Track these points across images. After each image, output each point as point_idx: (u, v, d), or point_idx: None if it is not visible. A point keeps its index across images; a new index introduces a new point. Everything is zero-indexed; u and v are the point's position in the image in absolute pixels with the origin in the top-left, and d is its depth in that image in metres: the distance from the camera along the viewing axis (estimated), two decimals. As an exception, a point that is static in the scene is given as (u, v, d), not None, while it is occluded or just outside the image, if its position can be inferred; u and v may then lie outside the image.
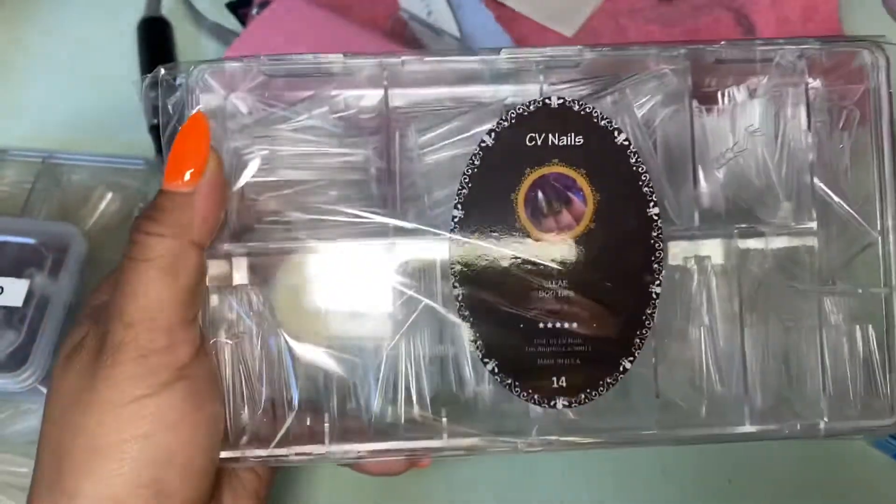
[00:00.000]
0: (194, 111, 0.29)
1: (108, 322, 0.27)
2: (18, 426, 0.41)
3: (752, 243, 0.32)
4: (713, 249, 0.32)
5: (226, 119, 0.31)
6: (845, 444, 0.42)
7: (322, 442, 0.30)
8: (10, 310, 0.39)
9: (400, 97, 0.32)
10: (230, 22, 0.56)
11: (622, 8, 0.58)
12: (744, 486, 0.42)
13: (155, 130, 0.49)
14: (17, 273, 0.40)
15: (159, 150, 0.48)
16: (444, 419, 0.30)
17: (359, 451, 0.30)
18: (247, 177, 0.31)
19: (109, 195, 0.47)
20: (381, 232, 0.31)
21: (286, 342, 0.30)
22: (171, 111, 0.30)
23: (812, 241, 0.32)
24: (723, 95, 0.33)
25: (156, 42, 0.54)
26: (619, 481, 0.42)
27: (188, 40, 0.55)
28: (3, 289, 0.40)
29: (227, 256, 0.30)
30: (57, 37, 0.56)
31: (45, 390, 0.37)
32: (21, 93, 0.54)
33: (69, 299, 0.40)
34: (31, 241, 0.41)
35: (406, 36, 0.54)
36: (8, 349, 0.38)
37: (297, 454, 0.30)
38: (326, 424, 0.30)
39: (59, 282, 0.40)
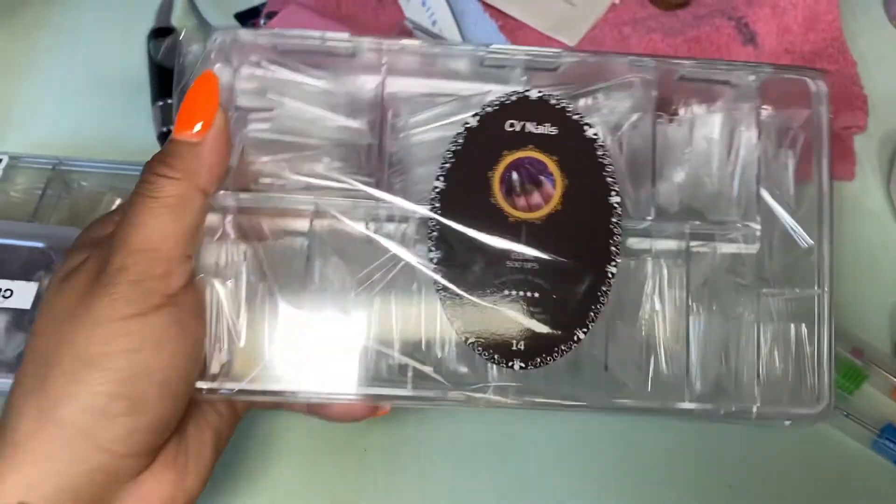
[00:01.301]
0: (206, 70, 0.32)
1: (111, 249, 0.28)
2: None
3: (702, 243, 0.35)
4: (666, 244, 0.35)
5: (235, 82, 0.34)
6: (849, 447, 0.44)
7: (293, 382, 0.32)
8: (19, 312, 0.40)
9: (395, 84, 0.35)
10: None
11: (625, 18, 0.59)
12: (744, 491, 0.43)
13: (163, 137, 0.51)
14: (26, 276, 0.41)
15: None
16: (410, 371, 0.32)
17: (329, 392, 0.32)
18: (247, 138, 0.33)
19: (118, 201, 0.47)
20: (369, 203, 0.33)
21: (268, 292, 0.33)
22: (185, 71, 0.33)
23: (755, 245, 0.35)
24: (685, 108, 0.37)
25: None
26: (620, 485, 0.43)
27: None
28: (12, 292, 0.40)
29: (223, 210, 0.33)
30: (69, 46, 0.58)
31: None
32: (33, 100, 0.55)
33: None
34: (40, 245, 0.42)
35: None
36: (17, 350, 0.39)
37: (267, 391, 0.32)
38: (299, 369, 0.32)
39: None
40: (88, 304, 0.28)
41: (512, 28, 0.58)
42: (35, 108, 0.55)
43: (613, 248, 0.33)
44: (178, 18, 0.58)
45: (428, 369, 0.32)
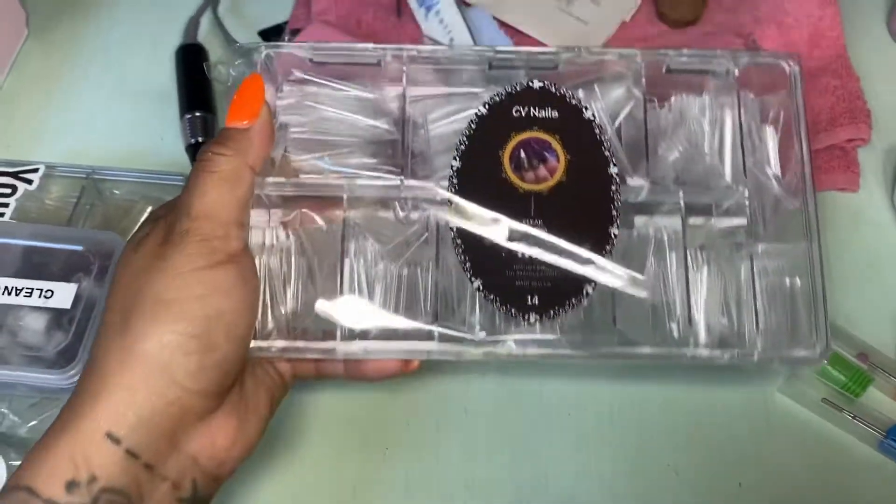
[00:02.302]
0: (253, 72, 0.37)
1: (176, 215, 0.33)
2: None
3: (697, 213, 0.39)
4: (664, 212, 0.39)
5: (276, 90, 0.40)
6: (856, 449, 0.44)
7: (334, 338, 0.36)
8: (59, 311, 0.42)
9: (414, 90, 0.40)
10: None
11: (635, 35, 0.61)
12: (753, 491, 0.43)
13: (191, 149, 0.54)
14: (66, 278, 0.43)
15: None
16: (437, 328, 0.36)
17: (364, 348, 0.36)
18: (288, 139, 0.39)
19: (149, 209, 0.49)
20: (394, 186, 0.38)
21: (309, 266, 0.37)
22: (234, 81, 0.38)
23: (744, 215, 0.39)
24: (675, 96, 0.41)
25: (192, 67, 0.58)
26: (631, 482, 0.44)
27: None
28: (53, 292, 0.42)
29: (269, 199, 0.38)
30: (100, 61, 0.60)
31: None
32: (66, 113, 0.57)
33: None
34: (79, 248, 0.44)
35: None
36: (57, 348, 0.41)
37: (312, 348, 0.36)
38: (338, 329, 0.36)
39: (104, 286, 0.42)
40: (163, 258, 0.32)
41: (526, 45, 0.60)
42: (68, 119, 0.57)
43: (614, 213, 0.37)
44: (205, 35, 0.61)
45: (452, 328, 0.36)
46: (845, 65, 0.58)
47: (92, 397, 0.30)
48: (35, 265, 0.43)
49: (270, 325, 0.36)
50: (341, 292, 0.37)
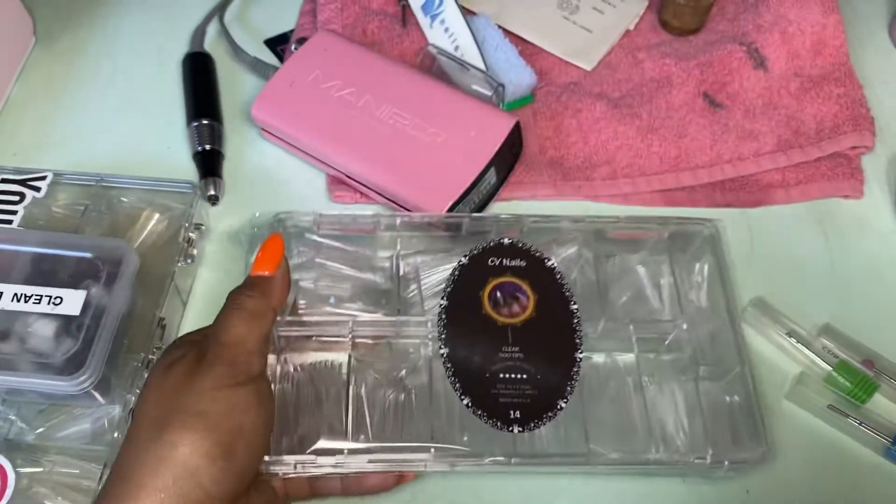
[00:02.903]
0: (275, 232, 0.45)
1: (207, 344, 0.38)
2: (71, 430, 0.44)
3: (647, 343, 0.46)
4: (619, 343, 0.46)
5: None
6: (863, 455, 0.46)
7: (342, 452, 0.42)
8: (68, 318, 0.42)
9: (405, 250, 0.48)
10: (269, 57, 0.61)
11: (639, 43, 0.62)
12: (761, 498, 0.45)
13: (198, 157, 0.55)
14: (74, 285, 0.43)
15: (203, 175, 0.54)
16: (433, 446, 0.41)
17: (368, 461, 0.41)
18: (300, 289, 0.47)
19: (157, 216, 0.50)
20: (391, 323, 0.46)
21: (320, 393, 0.44)
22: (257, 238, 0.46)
23: (687, 341, 0.46)
24: (619, 255, 0.49)
25: (199, 74, 0.59)
26: (639, 489, 0.45)
27: (229, 73, 0.60)
28: (62, 299, 0.42)
29: (286, 339, 0.45)
30: (109, 69, 0.60)
31: (97, 395, 0.42)
32: (73, 121, 0.58)
33: (122, 309, 0.43)
34: (87, 255, 0.44)
35: (434, 69, 0.58)
36: (66, 354, 0.41)
37: (321, 463, 0.41)
38: (344, 446, 0.42)
39: (113, 293, 0.43)
40: (193, 378, 0.36)
41: (531, 53, 0.61)
42: (75, 127, 0.57)
43: (578, 340, 0.44)
44: (211, 43, 0.61)
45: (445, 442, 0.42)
46: (848, 72, 0.59)
47: (124, 499, 0.34)
48: (44, 272, 0.43)
49: (283, 442, 0.42)
50: (346, 415, 0.43)
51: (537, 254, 0.46)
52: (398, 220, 0.48)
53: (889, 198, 0.56)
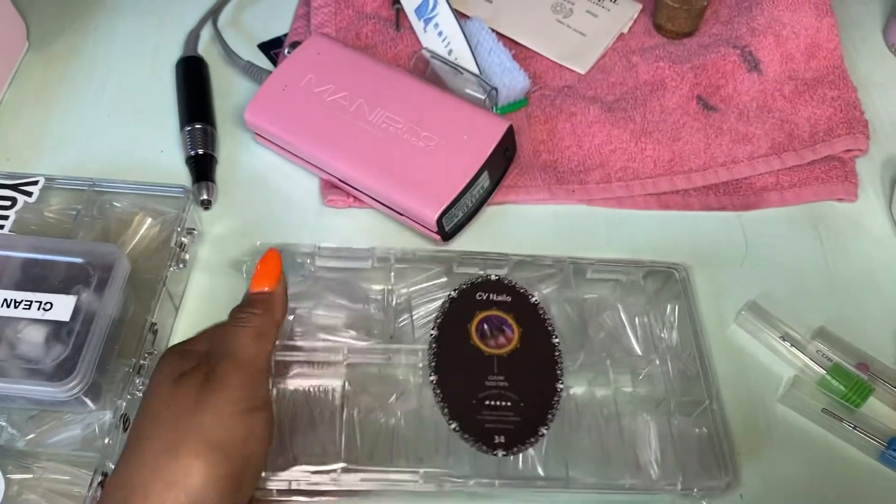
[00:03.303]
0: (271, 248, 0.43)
1: (215, 361, 0.37)
2: (62, 436, 0.43)
3: (621, 378, 0.48)
4: (598, 380, 0.47)
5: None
6: (857, 459, 0.46)
7: (335, 471, 0.43)
8: (58, 324, 0.41)
9: (398, 284, 0.50)
10: (263, 61, 0.60)
11: (633, 47, 0.61)
12: (755, 501, 0.44)
13: (191, 161, 0.55)
14: (65, 290, 0.42)
15: (195, 179, 0.54)
16: (422, 468, 0.43)
17: (360, 479, 0.42)
18: (297, 317, 0.48)
19: (149, 221, 0.49)
20: (383, 350, 0.47)
21: (314, 415, 0.45)
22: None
23: (659, 374, 0.48)
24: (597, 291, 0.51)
25: (192, 78, 0.58)
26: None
27: (222, 78, 0.59)
28: (52, 304, 0.42)
29: (284, 364, 0.46)
30: (102, 73, 0.60)
31: (88, 401, 0.41)
32: (68, 124, 0.57)
33: (113, 314, 0.42)
34: (78, 260, 0.43)
35: (427, 73, 0.58)
36: (56, 360, 0.40)
37: (314, 481, 0.42)
38: (335, 467, 0.43)
39: (104, 298, 0.42)
40: (205, 400, 0.35)
41: (525, 56, 0.60)
42: (68, 132, 0.57)
43: (559, 371, 0.46)
44: (205, 47, 0.61)
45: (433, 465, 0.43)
46: (842, 76, 0.58)
47: None
48: (34, 277, 0.43)
49: (279, 460, 0.43)
50: (340, 437, 0.44)
51: (522, 290, 0.49)
52: (392, 254, 0.50)
53: (883, 201, 0.56)
